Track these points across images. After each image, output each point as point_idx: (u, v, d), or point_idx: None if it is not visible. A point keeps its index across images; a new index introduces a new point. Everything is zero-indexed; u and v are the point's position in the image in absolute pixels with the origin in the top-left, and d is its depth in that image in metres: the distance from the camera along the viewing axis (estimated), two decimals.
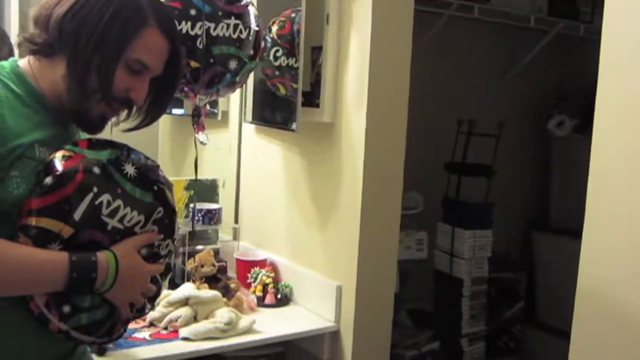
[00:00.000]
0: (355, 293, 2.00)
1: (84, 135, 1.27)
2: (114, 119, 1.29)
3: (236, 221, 2.58)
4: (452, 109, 3.05)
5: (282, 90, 2.12)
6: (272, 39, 2.10)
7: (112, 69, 1.17)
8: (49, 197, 1.10)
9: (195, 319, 1.91)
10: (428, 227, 2.91)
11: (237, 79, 1.82)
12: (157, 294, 1.29)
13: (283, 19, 2.10)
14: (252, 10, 1.84)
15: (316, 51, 2.07)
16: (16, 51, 1.43)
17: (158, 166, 1.26)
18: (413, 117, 2.08)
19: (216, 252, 2.29)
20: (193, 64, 1.74)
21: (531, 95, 3.46)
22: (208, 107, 2.16)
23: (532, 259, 3.45)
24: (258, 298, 2.17)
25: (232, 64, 1.78)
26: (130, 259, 1.17)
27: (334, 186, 2.07)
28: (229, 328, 1.87)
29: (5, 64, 1.21)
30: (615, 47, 1.45)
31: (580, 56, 3.29)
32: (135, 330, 1.84)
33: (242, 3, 1.81)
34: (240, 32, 1.78)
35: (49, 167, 1.13)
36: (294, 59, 2.06)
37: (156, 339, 1.81)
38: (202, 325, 1.86)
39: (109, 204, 1.14)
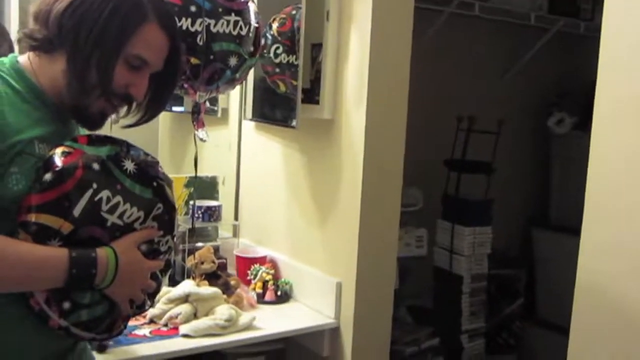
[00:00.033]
0: (355, 290, 2.00)
1: (84, 132, 1.27)
2: (113, 116, 1.29)
3: (236, 218, 2.58)
4: (452, 106, 3.05)
5: (282, 88, 2.12)
6: (273, 36, 2.10)
7: (112, 65, 1.17)
8: (49, 193, 1.10)
9: (195, 315, 1.91)
10: (428, 224, 2.91)
11: (237, 75, 1.82)
12: (157, 290, 1.29)
13: (283, 16, 2.10)
14: (252, 7, 1.84)
15: (316, 48, 2.07)
16: (16, 47, 1.43)
17: (157, 162, 1.26)
18: (413, 114, 2.08)
19: (216, 249, 2.29)
20: (193, 60, 1.74)
21: (531, 93, 3.46)
22: (208, 104, 2.17)
23: (531, 256, 3.45)
24: (258, 295, 2.18)
25: (232, 61, 1.78)
26: (130, 255, 1.17)
27: (333, 183, 2.08)
28: (229, 325, 1.87)
29: (5, 60, 1.21)
30: (615, 45, 1.45)
31: (580, 54, 3.29)
32: (136, 327, 1.84)
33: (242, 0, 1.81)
34: (240, 28, 1.78)
35: (49, 164, 1.13)
36: (294, 56, 2.05)
37: (156, 336, 1.82)
38: (202, 322, 1.86)
39: (108, 200, 1.14)
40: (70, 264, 1.10)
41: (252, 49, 1.83)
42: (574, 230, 1.59)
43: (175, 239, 1.30)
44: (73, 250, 1.11)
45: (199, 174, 2.09)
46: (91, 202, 1.13)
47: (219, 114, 2.61)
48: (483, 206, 2.98)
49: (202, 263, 2.12)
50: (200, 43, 1.72)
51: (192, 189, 2.36)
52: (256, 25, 1.84)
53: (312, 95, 2.08)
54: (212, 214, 2.38)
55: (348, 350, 2.03)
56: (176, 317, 1.88)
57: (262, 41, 1.97)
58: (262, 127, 2.41)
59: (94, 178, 1.14)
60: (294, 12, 2.06)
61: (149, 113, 1.32)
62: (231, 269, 2.35)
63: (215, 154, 2.61)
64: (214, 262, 2.13)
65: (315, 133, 2.13)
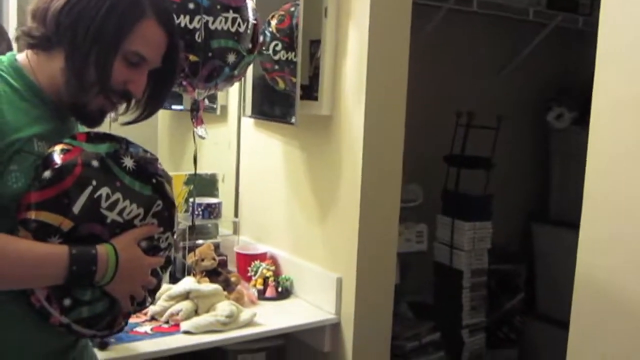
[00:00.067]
0: (355, 285, 2.01)
1: (83, 129, 1.27)
2: (112, 114, 1.29)
3: (236, 215, 2.58)
4: (450, 102, 3.05)
5: (281, 84, 2.13)
6: (272, 33, 2.10)
7: (110, 62, 1.17)
8: (48, 190, 1.11)
9: (196, 312, 1.91)
10: (428, 220, 2.91)
11: (236, 72, 1.82)
12: (158, 286, 1.29)
13: (282, 12, 2.10)
14: (250, 4, 1.84)
15: (315, 44, 2.07)
16: (15, 46, 1.43)
17: (157, 159, 1.27)
18: (412, 110, 2.08)
19: (216, 246, 2.30)
20: (192, 57, 1.74)
21: (530, 88, 3.46)
22: (207, 101, 2.17)
23: (531, 251, 3.46)
24: (259, 291, 2.18)
25: (231, 58, 1.78)
26: (130, 252, 1.17)
27: (333, 179, 2.08)
28: (230, 321, 1.88)
29: (4, 58, 1.21)
30: (612, 40, 1.46)
31: (579, 49, 3.28)
32: (137, 324, 1.85)
33: None
34: (239, 25, 1.78)
35: (48, 161, 1.13)
36: (293, 53, 2.06)
37: (157, 333, 1.82)
38: (203, 319, 1.87)
39: (108, 197, 1.15)
40: (70, 261, 1.10)
41: (250, 45, 1.84)
42: (574, 224, 1.59)
43: (175, 236, 1.30)
44: (73, 247, 1.11)
45: (199, 171, 2.09)
46: (91, 199, 1.13)
47: (218, 112, 2.61)
48: (483, 201, 2.98)
49: (203, 260, 2.12)
50: (199, 40, 1.73)
51: (191, 187, 2.36)
52: (254, 22, 1.84)
53: (310, 91, 2.09)
54: (212, 211, 2.38)
55: (349, 345, 2.04)
56: (177, 314, 1.88)
57: (261, 38, 1.98)
58: (261, 124, 2.41)
59: (93, 175, 1.14)
60: (292, 9, 2.07)
61: (148, 110, 1.32)
62: (231, 266, 2.35)
63: (214, 151, 2.61)
64: (214, 259, 2.14)
65: (314, 129, 2.13)
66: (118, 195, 1.16)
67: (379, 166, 2.00)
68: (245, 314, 1.93)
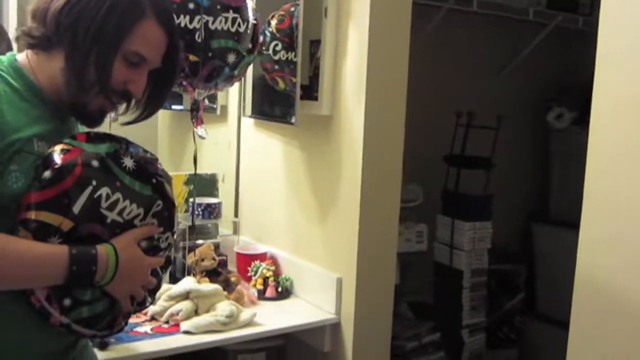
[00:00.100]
0: (355, 285, 2.01)
1: (83, 129, 1.27)
2: (112, 114, 1.29)
3: (236, 215, 2.58)
4: (450, 102, 3.05)
5: (281, 84, 2.13)
6: (272, 33, 2.10)
7: (110, 62, 1.17)
8: (48, 190, 1.11)
9: (196, 312, 1.91)
10: (427, 220, 2.91)
11: (236, 72, 1.82)
12: (158, 286, 1.29)
13: (282, 12, 2.10)
14: (250, 4, 1.84)
15: (315, 44, 2.07)
16: (14, 46, 1.43)
17: (157, 159, 1.27)
18: (412, 110, 2.08)
19: (216, 246, 2.30)
20: (192, 57, 1.74)
21: (530, 88, 3.46)
22: (207, 102, 2.17)
23: (531, 251, 3.46)
24: (259, 291, 2.18)
25: (231, 58, 1.78)
26: (130, 252, 1.17)
27: (333, 179, 2.08)
28: (230, 321, 1.88)
29: (4, 58, 1.21)
30: (612, 40, 1.46)
31: (579, 49, 3.28)
32: (137, 324, 1.85)
33: None
34: (239, 25, 1.78)
35: (48, 161, 1.13)
36: (293, 53, 2.06)
37: (157, 333, 1.82)
38: (203, 319, 1.87)
39: (108, 197, 1.15)
40: (70, 261, 1.10)
41: (250, 45, 1.84)
42: (574, 224, 1.59)
43: (175, 236, 1.30)
44: (73, 247, 1.11)
45: (199, 171, 2.09)
46: (91, 199, 1.13)
47: (218, 112, 2.61)
48: (483, 201, 2.98)
49: (203, 260, 2.12)
50: (199, 40, 1.73)
51: (191, 187, 2.36)
52: (254, 22, 1.84)
53: (310, 91, 2.09)
54: (212, 211, 2.38)
55: (349, 345, 2.04)
56: (177, 314, 1.88)
57: (261, 38, 1.98)
58: (261, 124, 2.41)
59: (93, 175, 1.14)
60: (292, 9, 2.07)
61: (148, 110, 1.32)
62: (231, 266, 2.35)
63: (214, 151, 2.61)
64: (214, 259, 2.13)
65: (314, 129, 2.13)
66: (118, 195, 1.16)
67: (379, 166, 2.00)
68: (245, 314, 1.93)
